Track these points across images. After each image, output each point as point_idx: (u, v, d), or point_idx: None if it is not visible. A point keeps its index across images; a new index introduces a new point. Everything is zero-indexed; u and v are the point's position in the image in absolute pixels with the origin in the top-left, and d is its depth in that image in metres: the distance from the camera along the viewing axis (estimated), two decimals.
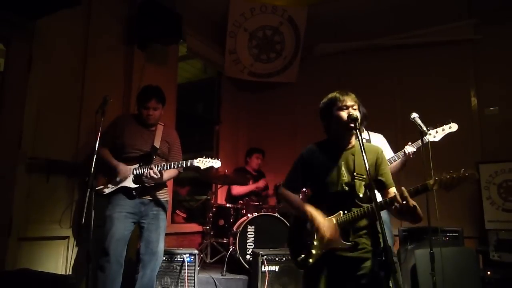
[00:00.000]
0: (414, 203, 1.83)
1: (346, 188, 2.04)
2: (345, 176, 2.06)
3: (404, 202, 1.81)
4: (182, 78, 6.39)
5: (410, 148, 3.05)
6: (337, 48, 5.31)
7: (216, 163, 2.95)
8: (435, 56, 4.72)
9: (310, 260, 2.03)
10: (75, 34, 3.55)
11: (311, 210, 2.04)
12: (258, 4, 4.99)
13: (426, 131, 2.72)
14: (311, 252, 2.04)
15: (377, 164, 2.10)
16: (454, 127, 2.96)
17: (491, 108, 4.37)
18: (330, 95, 2.13)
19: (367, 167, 1.80)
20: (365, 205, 1.99)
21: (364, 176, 1.98)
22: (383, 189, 2.08)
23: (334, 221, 2.01)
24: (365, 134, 3.14)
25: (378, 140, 3.20)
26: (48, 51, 3.27)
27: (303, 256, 2.07)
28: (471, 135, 4.31)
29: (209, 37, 5.28)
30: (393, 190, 2.05)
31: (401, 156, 3.09)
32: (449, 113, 4.36)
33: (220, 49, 5.36)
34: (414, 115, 2.73)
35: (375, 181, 2.07)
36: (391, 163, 3.08)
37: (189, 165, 2.94)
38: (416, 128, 2.70)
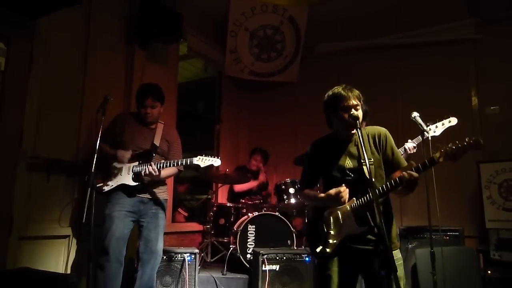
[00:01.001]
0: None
1: (355, 175, 2.08)
2: (352, 164, 2.10)
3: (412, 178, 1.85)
4: (183, 77, 6.38)
5: (409, 144, 3.07)
6: (338, 47, 5.30)
7: (216, 162, 2.95)
8: (436, 56, 4.72)
9: (328, 250, 2.05)
10: (76, 33, 3.55)
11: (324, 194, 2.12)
12: (259, 3, 4.98)
13: (427, 129, 2.72)
14: (328, 241, 2.07)
15: (381, 145, 2.13)
16: (453, 121, 2.96)
17: (491, 108, 4.36)
18: (335, 90, 2.14)
19: (365, 155, 1.89)
20: (378, 186, 2.01)
21: (372, 160, 2.04)
22: (392, 172, 2.11)
23: (349, 208, 2.06)
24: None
25: None
26: (48, 50, 3.27)
27: (321, 247, 2.10)
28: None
29: (209, 36, 5.28)
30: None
31: (401, 153, 3.10)
32: (450, 112, 4.32)
33: (221, 48, 5.36)
34: (415, 114, 2.73)
35: (385, 163, 2.12)
36: None
37: (188, 163, 2.94)
38: (416, 127, 2.70)
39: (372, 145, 2.14)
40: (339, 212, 2.09)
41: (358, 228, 2.02)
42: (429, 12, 4.79)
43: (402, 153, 3.11)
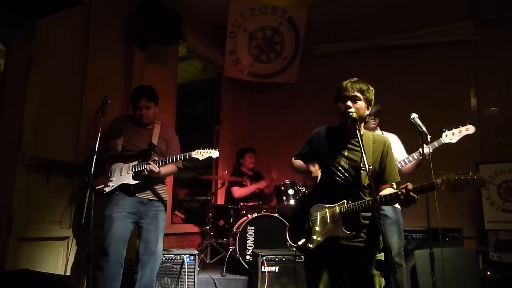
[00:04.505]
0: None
1: (350, 178, 2.04)
2: (350, 166, 2.05)
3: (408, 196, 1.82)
4: (182, 79, 6.38)
5: (425, 149, 3.06)
6: (337, 48, 5.30)
7: (214, 153, 2.94)
8: (435, 57, 4.72)
9: (311, 245, 2.03)
10: (75, 34, 3.55)
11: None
12: (258, 4, 4.99)
13: (426, 131, 2.70)
14: (313, 237, 2.03)
15: (382, 155, 2.10)
16: (471, 129, 2.86)
17: (490, 109, 4.37)
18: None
19: (365, 160, 1.82)
20: (369, 198, 1.98)
21: (371, 167, 1.97)
22: (381, 184, 2.08)
23: (338, 210, 2.01)
24: (378, 133, 3.12)
25: (392, 140, 3.19)
26: (48, 52, 3.27)
27: (303, 240, 2.07)
28: (470, 136, 4.29)
29: (209, 37, 5.29)
30: (388, 188, 2.06)
31: (416, 157, 3.04)
32: (449, 113, 4.38)
33: (220, 49, 5.36)
34: (414, 115, 2.73)
35: (378, 174, 2.07)
36: (405, 164, 3.07)
37: (187, 157, 2.94)
38: (415, 128, 2.70)
39: (374, 152, 2.08)
40: (327, 211, 2.05)
41: (345, 233, 1.98)
42: (428, 13, 4.80)
43: (416, 157, 3.03)
